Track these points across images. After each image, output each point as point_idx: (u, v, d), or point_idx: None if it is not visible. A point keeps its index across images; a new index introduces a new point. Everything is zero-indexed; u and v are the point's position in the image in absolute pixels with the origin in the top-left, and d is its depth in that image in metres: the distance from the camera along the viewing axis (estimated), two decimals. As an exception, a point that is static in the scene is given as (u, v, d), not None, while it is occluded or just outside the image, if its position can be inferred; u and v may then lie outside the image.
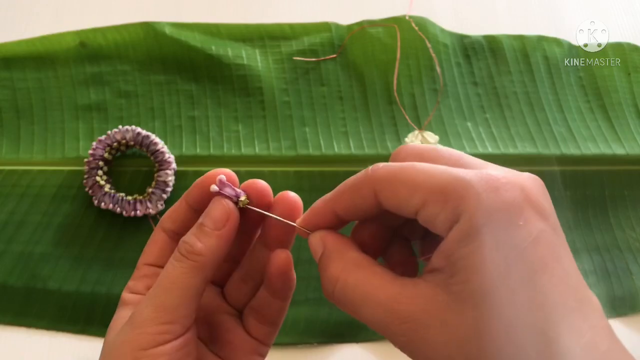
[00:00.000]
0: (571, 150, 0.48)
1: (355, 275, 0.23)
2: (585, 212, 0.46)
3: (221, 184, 0.25)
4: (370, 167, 0.24)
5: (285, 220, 0.26)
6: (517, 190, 0.21)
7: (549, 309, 0.19)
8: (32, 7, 0.54)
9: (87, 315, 0.43)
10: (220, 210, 0.25)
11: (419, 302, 0.21)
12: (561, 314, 0.19)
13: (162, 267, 0.26)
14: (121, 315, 0.26)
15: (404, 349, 0.22)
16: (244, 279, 0.29)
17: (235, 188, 0.26)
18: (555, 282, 0.20)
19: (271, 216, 0.26)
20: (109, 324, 0.27)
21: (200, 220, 0.25)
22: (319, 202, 0.26)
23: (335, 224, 0.26)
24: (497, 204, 0.20)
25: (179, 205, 0.27)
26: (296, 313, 0.42)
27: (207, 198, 0.26)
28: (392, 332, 0.21)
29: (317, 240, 0.25)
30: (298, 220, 0.26)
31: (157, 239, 0.28)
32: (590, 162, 0.48)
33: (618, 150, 0.48)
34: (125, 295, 0.27)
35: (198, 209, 0.26)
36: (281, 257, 0.26)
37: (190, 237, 0.25)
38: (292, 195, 0.27)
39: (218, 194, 0.25)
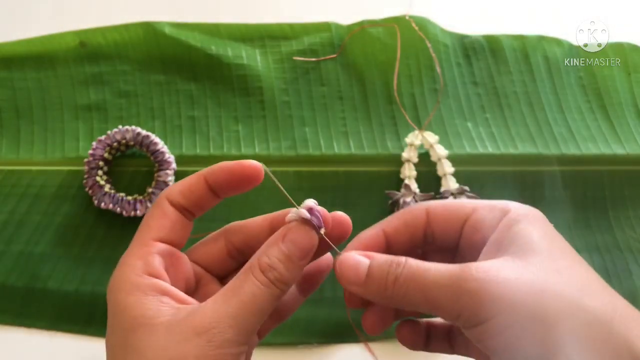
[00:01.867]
0: (571, 150, 0.48)
1: (414, 261, 0.25)
2: (585, 212, 0.46)
3: (311, 211, 0.25)
4: (419, 203, 0.28)
5: (336, 250, 0.27)
6: (533, 209, 0.27)
7: (589, 272, 0.25)
8: (32, 7, 0.54)
9: (87, 315, 0.43)
10: (308, 243, 0.25)
11: (484, 264, 0.24)
12: (595, 277, 0.25)
13: (174, 244, 0.26)
14: (137, 305, 0.24)
15: (463, 311, 0.23)
16: (230, 248, 0.29)
17: (320, 217, 0.25)
18: (583, 262, 0.25)
19: (334, 248, 0.27)
20: (111, 315, 0.25)
21: (286, 248, 0.25)
22: (366, 230, 0.28)
23: (381, 251, 0.27)
24: (531, 210, 0.26)
25: (195, 182, 0.27)
26: (296, 313, 0.42)
27: (233, 185, 0.26)
28: (455, 295, 0.23)
29: (359, 255, 0.26)
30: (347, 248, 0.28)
31: (166, 213, 0.26)
32: (590, 162, 0.48)
33: (618, 150, 0.48)
34: (137, 277, 0.25)
35: (217, 191, 0.27)
36: (328, 264, 0.29)
37: (279, 265, 0.24)
38: (344, 216, 0.27)
39: (306, 221, 0.25)
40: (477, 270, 0.23)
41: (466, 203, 0.27)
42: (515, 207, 0.26)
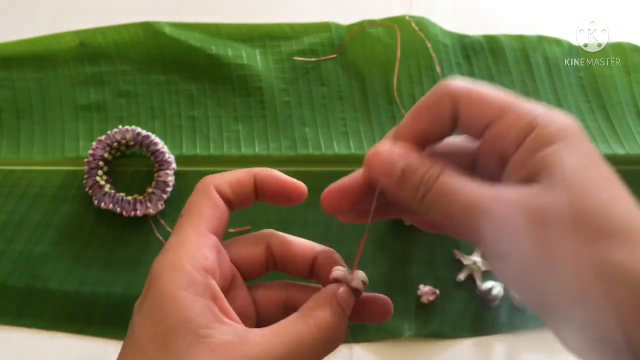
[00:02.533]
0: (571, 150, 0.48)
1: (447, 177, 0.23)
2: (585, 212, 0.46)
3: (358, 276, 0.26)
4: (441, 82, 0.25)
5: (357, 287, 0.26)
6: (571, 118, 0.23)
7: (635, 206, 0.22)
8: (32, 7, 0.54)
9: (87, 315, 0.43)
10: (352, 303, 0.26)
11: (509, 195, 0.22)
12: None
13: (219, 237, 0.26)
14: (188, 306, 0.22)
15: (483, 240, 0.22)
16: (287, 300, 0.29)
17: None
18: (625, 191, 0.22)
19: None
20: (153, 300, 0.23)
21: (346, 309, 0.25)
22: (395, 130, 0.26)
23: (418, 148, 0.25)
24: (568, 122, 0.23)
25: (245, 179, 0.27)
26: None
27: (276, 196, 0.27)
28: (477, 226, 0.22)
29: (395, 152, 0.24)
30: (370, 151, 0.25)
31: (217, 203, 0.26)
32: (590, 162, 0.48)
33: (618, 150, 0.48)
34: (195, 272, 0.23)
35: (259, 194, 0.27)
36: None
37: (341, 329, 0.25)
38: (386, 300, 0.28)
39: (354, 290, 0.26)
40: (501, 201, 0.21)
41: (493, 101, 0.23)
42: (545, 122, 0.22)
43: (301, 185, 0.27)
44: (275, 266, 0.28)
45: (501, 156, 0.24)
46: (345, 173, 0.47)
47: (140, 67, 0.50)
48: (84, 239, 0.45)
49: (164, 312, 0.22)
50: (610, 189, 0.22)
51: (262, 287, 0.29)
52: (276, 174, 0.27)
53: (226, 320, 0.23)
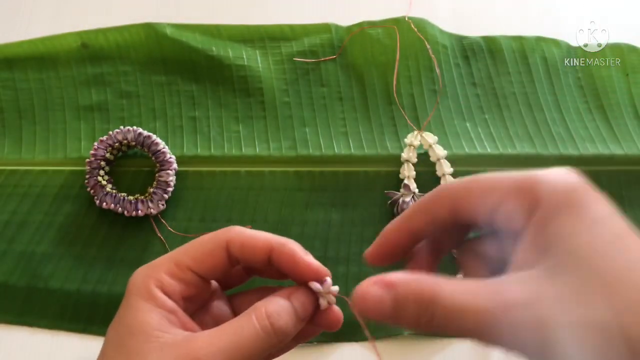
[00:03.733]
0: (569, 150, 0.48)
1: (447, 287, 0.21)
2: (583, 212, 0.47)
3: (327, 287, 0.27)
4: (440, 185, 0.25)
5: (345, 298, 0.27)
6: (576, 176, 0.23)
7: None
8: (34, 7, 0.54)
9: (88, 314, 0.43)
10: (311, 309, 0.27)
11: (521, 286, 0.21)
12: None
13: (207, 278, 0.27)
14: (145, 311, 0.25)
15: (494, 343, 0.21)
16: (249, 273, 0.31)
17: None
18: (635, 251, 0.21)
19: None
20: (121, 309, 0.26)
21: (297, 306, 0.26)
22: (390, 226, 0.26)
23: (407, 246, 0.26)
24: (569, 186, 0.22)
25: (260, 246, 0.27)
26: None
27: (290, 272, 0.27)
28: (488, 334, 0.21)
29: (378, 287, 0.22)
30: (367, 251, 0.27)
31: (216, 254, 0.27)
32: (588, 163, 0.48)
33: (616, 150, 0.48)
34: (156, 290, 0.26)
35: (275, 266, 0.27)
36: (327, 324, 0.28)
37: (287, 321, 0.25)
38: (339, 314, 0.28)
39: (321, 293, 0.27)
40: (507, 306, 0.20)
41: (493, 188, 0.23)
42: (548, 196, 0.22)
43: (318, 269, 0.27)
44: (238, 262, 0.29)
45: (511, 240, 0.23)
46: (345, 173, 0.47)
47: (141, 67, 0.50)
48: (86, 239, 0.45)
49: (125, 318, 0.25)
50: (622, 254, 0.20)
51: (239, 294, 0.30)
52: (294, 252, 0.27)
53: (181, 329, 0.25)
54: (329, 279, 0.27)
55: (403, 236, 0.26)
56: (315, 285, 0.27)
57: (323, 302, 0.27)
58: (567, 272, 0.20)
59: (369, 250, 0.27)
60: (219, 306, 0.29)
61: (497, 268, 0.24)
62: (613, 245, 0.21)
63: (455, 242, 0.27)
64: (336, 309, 0.28)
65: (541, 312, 0.20)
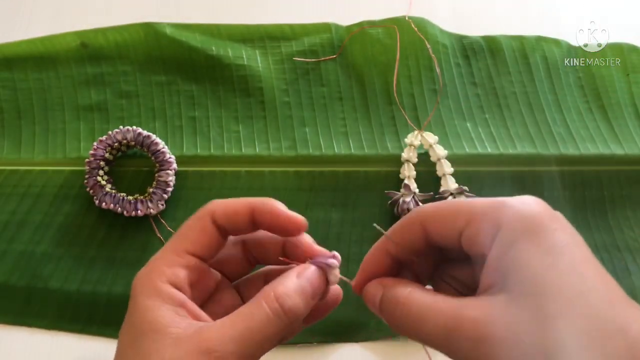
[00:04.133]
0: (570, 150, 0.48)
1: (418, 294, 0.24)
2: (584, 213, 0.47)
3: (334, 261, 0.27)
4: (414, 209, 0.27)
5: (346, 279, 0.28)
6: (542, 204, 0.23)
7: (602, 293, 0.21)
8: (33, 7, 0.54)
9: (88, 314, 0.43)
10: (322, 286, 0.27)
11: (482, 305, 0.22)
12: (611, 299, 0.21)
13: (205, 259, 0.27)
14: (154, 309, 0.25)
15: (468, 354, 0.22)
16: (250, 260, 0.31)
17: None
18: (598, 274, 0.22)
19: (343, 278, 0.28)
20: (129, 312, 0.26)
21: (304, 284, 0.26)
22: (369, 252, 0.28)
23: (388, 268, 0.27)
24: (532, 213, 0.23)
25: (242, 210, 0.27)
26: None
27: (274, 229, 0.28)
28: (455, 339, 0.22)
29: (375, 285, 0.27)
30: (354, 281, 0.28)
31: (207, 229, 0.27)
32: (589, 163, 0.48)
33: (617, 150, 0.48)
34: (161, 284, 0.26)
35: (257, 225, 0.28)
36: (335, 299, 0.29)
37: (296, 301, 0.25)
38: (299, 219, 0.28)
39: (326, 267, 0.27)
40: (470, 321, 0.22)
41: (458, 212, 0.25)
42: (509, 221, 0.23)
43: (297, 220, 0.27)
44: (252, 255, 0.30)
45: (479, 262, 0.24)
46: (345, 173, 0.47)
47: (141, 67, 0.50)
48: (85, 239, 0.45)
49: (136, 319, 0.25)
50: (578, 282, 0.21)
51: (246, 281, 0.31)
52: (275, 207, 0.27)
53: (193, 321, 0.25)
54: (337, 254, 0.27)
55: (382, 263, 0.27)
56: (320, 260, 0.27)
57: (332, 278, 0.27)
58: (522, 301, 0.21)
59: (355, 282, 0.28)
60: (228, 296, 0.30)
61: (469, 291, 0.27)
62: (569, 274, 0.21)
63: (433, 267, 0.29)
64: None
65: (486, 330, 0.21)
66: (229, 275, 0.30)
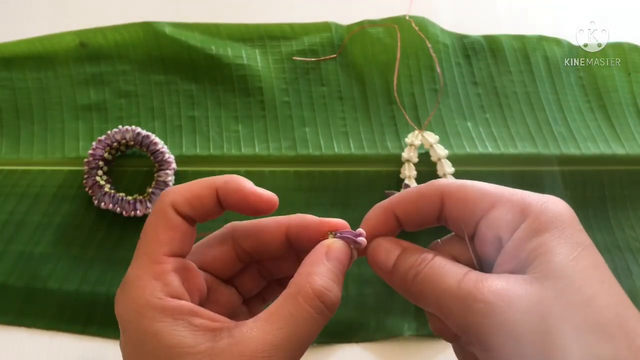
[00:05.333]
0: (571, 150, 0.48)
1: (439, 261, 0.24)
2: (585, 212, 0.47)
3: (363, 239, 0.26)
4: (434, 181, 0.26)
5: (354, 238, 0.26)
6: (565, 204, 0.24)
7: (619, 297, 0.22)
8: (32, 7, 0.54)
9: (87, 315, 0.43)
10: (350, 263, 0.25)
11: (504, 278, 0.22)
12: (627, 304, 0.22)
13: (183, 256, 0.25)
14: (169, 333, 0.22)
15: (469, 329, 0.22)
16: (264, 275, 0.29)
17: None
18: (612, 279, 0.22)
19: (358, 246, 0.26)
20: (136, 344, 0.23)
21: (337, 267, 0.24)
22: (375, 208, 0.26)
23: (391, 232, 0.26)
24: (559, 210, 0.23)
25: (206, 194, 0.25)
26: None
27: (243, 209, 0.25)
28: (464, 311, 0.22)
29: (391, 243, 0.26)
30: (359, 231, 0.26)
31: (175, 223, 0.24)
32: (590, 162, 0.48)
33: (618, 150, 0.48)
34: (160, 301, 0.23)
35: (225, 207, 0.25)
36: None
37: (333, 287, 0.23)
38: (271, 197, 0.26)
39: (354, 244, 0.25)
40: (490, 290, 0.21)
41: (485, 195, 0.24)
42: (538, 211, 0.23)
43: (267, 197, 0.25)
44: (252, 257, 0.27)
45: (495, 247, 0.24)
46: (345, 173, 0.47)
47: (140, 67, 0.50)
48: (84, 239, 0.45)
49: (150, 350, 0.22)
50: (598, 280, 0.22)
51: (211, 255, 0.27)
52: (240, 185, 0.25)
53: (215, 325, 0.23)
54: (363, 231, 0.26)
55: (385, 221, 0.26)
56: (347, 235, 0.25)
57: (355, 255, 0.26)
58: (546, 283, 0.21)
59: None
60: (225, 295, 0.27)
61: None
62: (594, 272, 0.22)
63: None
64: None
65: (507, 300, 0.21)
66: (245, 293, 0.28)
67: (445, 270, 0.23)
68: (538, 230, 0.22)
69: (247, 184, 0.25)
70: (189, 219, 0.25)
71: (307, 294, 0.23)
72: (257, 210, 0.25)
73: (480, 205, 0.24)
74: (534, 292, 0.21)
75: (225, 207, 0.25)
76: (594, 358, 0.20)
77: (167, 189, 0.25)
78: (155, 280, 0.23)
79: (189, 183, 0.25)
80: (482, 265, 0.25)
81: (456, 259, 0.25)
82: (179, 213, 0.24)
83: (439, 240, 0.27)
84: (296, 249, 0.27)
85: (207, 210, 0.25)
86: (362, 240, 0.25)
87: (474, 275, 0.22)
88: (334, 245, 0.25)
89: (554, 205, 0.23)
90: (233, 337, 0.22)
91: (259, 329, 0.22)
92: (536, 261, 0.22)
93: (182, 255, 0.25)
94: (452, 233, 0.27)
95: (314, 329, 0.23)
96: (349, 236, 0.25)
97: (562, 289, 0.21)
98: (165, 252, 0.24)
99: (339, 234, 0.25)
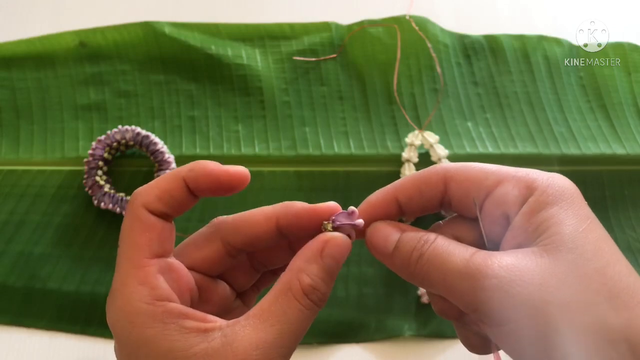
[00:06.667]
0: (571, 150, 0.48)
1: (442, 241, 0.24)
2: (585, 212, 0.46)
3: (352, 215, 0.25)
4: (436, 165, 0.26)
5: (350, 224, 0.25)
6: (569, 180, 0.24)
7: (628, 268, 0.22)
8: (32, 6, 0.54)
9: (86, 315, 0.43)
10: (346, 254, 0.25)
11: (513, 254, 0.22)
12: (636, 275, 0.22)
13: (165, 256, 0.24)
14: (160, 339, 0.22)
15: (480, 306, 0.22)
16: (257, 268, 0.28)
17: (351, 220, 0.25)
18: (620, 252, 0.23)
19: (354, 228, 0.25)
20: (130, 351, 0.23)
21: (327, 265, 0.24)
22: (377, 193, 0.26)
23: (392, 217, 0.26)
24: (565, 184, 0.23)
25: (175, 186, 0.24)
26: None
27: (216, 191, 0.24)
28: (474, 288, 0.21)
29: (389, 226, 0.25)
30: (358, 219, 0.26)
31: (150, 224, 0.24)
32: (590, 162, 0.47)
33: (618, 150, 0.48)
34: (149, 306, 0.22)
35: (197, 194, 0.25)
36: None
37: (322, 285, 0.23)
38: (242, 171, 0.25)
39: (352, 228, 0.25)
40: (500, 266, 0.21)
41: (489, 173, 0.24)
42: (544, 185, 0.23)
43: (236, 171, 0.24)
44: (241, 252, 0.27)
45: (501, 225, 0.24)
46: (345, 173, 0.47)
47: (140, 67, 0.50)
48: (84, 239, 0.44)
49: (144, 357, 0.22)
50: (608, 251, 0.22)
51: (194, 249, 0.27)
52: (206, 168, 0.24)
53: (207, 325, 0.22)
54: (354, 209, 0.25)
55: (387, 206, 0.26)
56: (343, 222, 0.25)
57: (353, 235, 0.25)
58: (557, 254, 0.21)
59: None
60: (215, 290, 0.27)
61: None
62: (603, 244, 0.22)
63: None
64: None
65: (518, 273, 0.21)
66: (238, 287, 0.28)
67: (450, 249, 0.23)
68: (546, 203, 0.22)
69: (213, 165, 0.24)
70: (164, 216, 0.24)
71: (297, 291, 0.23)
72: (230, 188, 0.24)
73: (485, 183, 0.24)
74: (546, 264, 0.21)
75: (197, 194, 0.25)
76: (608, 327, 0.20)
77: (136, 190, 0.24)
78: (141, 286, 0.23)
79: (155, 180, 0.24)
80: (488, 244, 0.25)
81: (459, 240, 0.24)
82: (152, 212, 0.24)
83: (440, 222, 0.27)
84: (288, 238, 0.26)
85: (179, 203, 0.24)
86: (360, 222, 0.25)
87: (482, 253, 0.22)
88: (331, 242, 0.24)
89: (559, 180, 0.23)
90: (226, 337, 0.22)
91: (252, 326, 0.22)
92: (545, 233, 0.22)
93: (164, 255, 0.24)
94: (455, 214, 0.26)
95: (305, 324, 0.23)
96: (345, 223, 0.25)
97: (574, 259, 0.21)
98: (146, 255, 0.23)
99: (334, 221, 0.25)
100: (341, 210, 0.25)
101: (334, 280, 0.24)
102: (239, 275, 0.28)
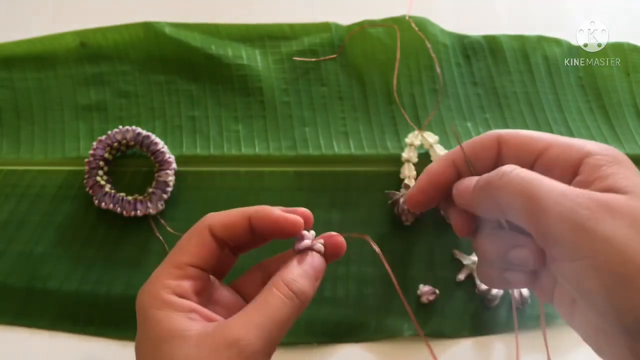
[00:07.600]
0: (571, 150, 0.48)
1: (523, 170, 0.25)
2: (585, 212, 0.46)
3: (320, 245, 0.29)
4: (491, 131, 0.29)
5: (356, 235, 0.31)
6: (615, 151, 0.26)
7: None
8: (32, 7, 0.54)
9: (87, 315, 0.43)
10: (322, 265, 0.29)
11: (602, 196, 0.23)
12: None
13: (206, 270, 0.28)
14: (168, 319, 0.26)
15: (561, 236, 0.23)
16: (264, 277, 0.32)
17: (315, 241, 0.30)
18: None
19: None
20: (142, 326, 0.27)
21: (307, 268, 0.28)
22: (435, 161, 0.30)
23: (450, 181, 0.29)
24: (615, 150, 0.25)
25: (239, 220, 0.28)
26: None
27: (274, 234, 0.29)
28: (563, 217, 0.23)
29: (466, 179, 0.28)
30: (413, 189, 0.30)
31: (205, 242, 0.28)
32: (590, 162, 0.48)
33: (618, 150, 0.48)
34: (169, 296, 0.27)
35: (258, 234, 0.29)
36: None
37: (303, 283, 0.27)
38: (339, 238, 0.30)
39: (310, 249, 0.29)
40: (595, 199, 0.23)
41: (540, 137, 0.27)
42: (596, 150, 0.25)
43: (295, 220, 0.28)
44: (226, 244, 0.30)
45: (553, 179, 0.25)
46: (345, 173, 0.47)
47: (140, 67, 0.50)
48: (84, 239, 0.45)
49: (151, 331, 0.26)
50: None
51: (239, 280, 0.32)
52: (270, 213, 0.28)
53: (208, 322, 0.26)
54: (305, 232, 0.29)
55: (445, 170, 0.29)
56: (302, 244, 0.29)
57: (321, 250, 0.29)
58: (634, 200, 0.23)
59: (415, 190, 0.30)
60: (226, 295, 0.31)
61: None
62: None
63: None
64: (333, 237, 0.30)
65: (608, 227, 0.22)
66: (217, 273, 0.31)
67: (538, 176, 0.24)
68: (604, 161, 0.24)
69: (275, 210, 0.28)
70: (221, 242, 0.29)
71: (278, 284, 0.27)
72: (285, 233, 0.28)
73: (536, 146, 0.27)
74: (637, 205, 0.23)
75: (257, 232, 0.29)
76: None
77: (209, 214, 0.29)
78: (169, 280, 0.27)
79: (226, 211, 0.29)
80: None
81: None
82: (212, 234, 0.28)
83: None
84: (265, 238, 0.30)
85: (238, 236, 0.29)
86: (320, 247, 0.29)
87: (576, 189, 0.24)
88: (305, 255, 0.29)
89: (608, 146, 0.25)
90: (220, 325, 0.26)
91: (241, 315, 0.26)
92: (616, 185, 0.23)
93: (204, 269, 0.28)
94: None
95: (285, 312, 0.26)
96: (305, 247, 0.29)
97: None
98: (187, 262, 0.28)
99: (295, 246, 0.29)
100: (303, 231, 0.29)
101: (313, 284, 0.28)
102: (249, 286, 0.31)
